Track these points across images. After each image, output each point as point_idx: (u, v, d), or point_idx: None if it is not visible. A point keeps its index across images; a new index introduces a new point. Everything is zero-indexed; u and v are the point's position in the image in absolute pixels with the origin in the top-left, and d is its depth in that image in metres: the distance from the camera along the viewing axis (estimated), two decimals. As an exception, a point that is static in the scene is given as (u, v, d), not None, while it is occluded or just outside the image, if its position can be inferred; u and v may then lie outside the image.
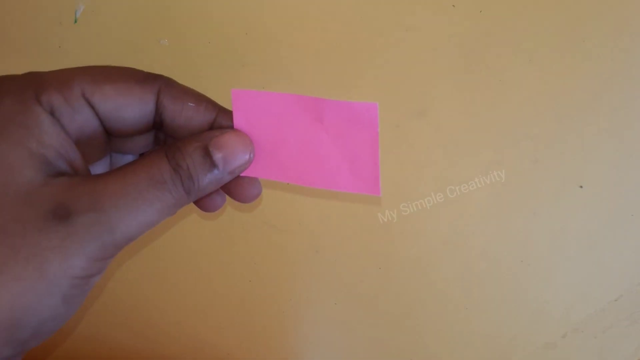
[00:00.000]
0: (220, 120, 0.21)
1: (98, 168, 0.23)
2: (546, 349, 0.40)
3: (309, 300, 0.41)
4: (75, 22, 0.36)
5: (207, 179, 0.20)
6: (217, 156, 0.20)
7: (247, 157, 0.21)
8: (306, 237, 0.39)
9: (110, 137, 0.22)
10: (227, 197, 0.25)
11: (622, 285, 0.38)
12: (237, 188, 0.24)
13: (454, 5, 0.34)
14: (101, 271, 0.18)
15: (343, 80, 0.36)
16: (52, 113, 0.18)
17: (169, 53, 0.36)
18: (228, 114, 0.22)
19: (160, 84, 0.21)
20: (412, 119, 0.36)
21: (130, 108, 0.20)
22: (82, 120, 0.19)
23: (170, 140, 0.23)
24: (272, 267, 0.41)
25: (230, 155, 0.20)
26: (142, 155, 0.25)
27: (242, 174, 0.22)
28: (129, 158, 0.24)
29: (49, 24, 0.36)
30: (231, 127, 0.21)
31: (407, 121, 0.36)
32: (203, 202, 0.25)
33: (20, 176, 0.17)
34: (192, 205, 0.24)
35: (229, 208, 0.40)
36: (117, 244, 0.18)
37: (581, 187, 0.37)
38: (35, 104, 0.18)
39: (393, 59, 0.35)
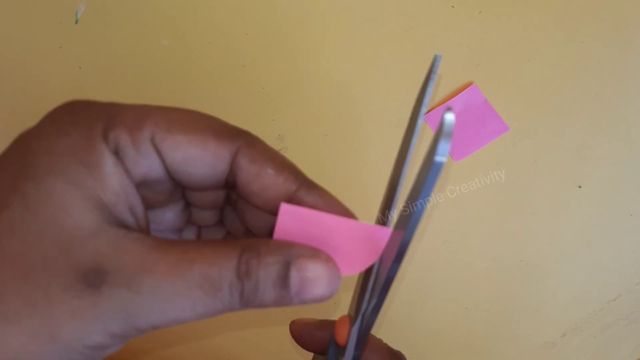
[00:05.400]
0: (301, 195, 0.18)
1: (161, 215, 0.21)
2: (545, 349, 0.40)
3: (309, 300, 0.41)
4: (76, 22, 0.36)
5: (273, 298, 0.17)
6: (295, 280, 0.17)
7: (328, 294, 0.17)
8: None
9: (177, 185, 0.20)
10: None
11: (621, 285, 0.38)
12: None
13: (453, 6, 0.34)
14: (117, 345, 0.17)
15: (343, 79, 0.36)
16: (116, 153, 0.17)
17: (169, 53, 0.36)
18: (311, 189, 0.19)
19: (240, 142, 0.18)
20: (412, 119, 0.36)
21: (200, 163, 0.18)
22: (146, 165, 0.18)
23: (243, 203, 0.21)
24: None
25: (310, 285, 0.17)
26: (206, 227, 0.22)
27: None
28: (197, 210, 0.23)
29: (49, 24, 0.36)
30: (313, 204, 0.19)
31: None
32: None
33: (69, 219, 0.16)
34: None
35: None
36: (140, 329, 0.16)
37: (580, 187, 0.37)
38: (101, 141, 0.16)
39: (393, 59, 0.35)
